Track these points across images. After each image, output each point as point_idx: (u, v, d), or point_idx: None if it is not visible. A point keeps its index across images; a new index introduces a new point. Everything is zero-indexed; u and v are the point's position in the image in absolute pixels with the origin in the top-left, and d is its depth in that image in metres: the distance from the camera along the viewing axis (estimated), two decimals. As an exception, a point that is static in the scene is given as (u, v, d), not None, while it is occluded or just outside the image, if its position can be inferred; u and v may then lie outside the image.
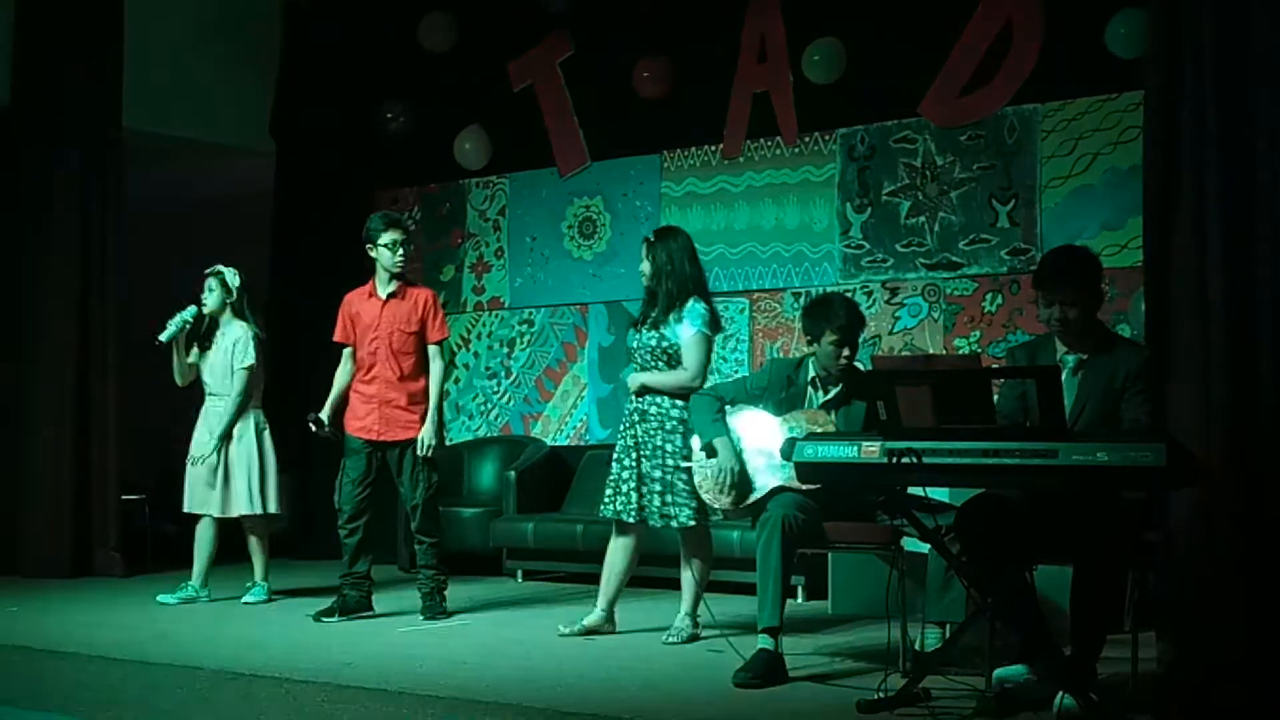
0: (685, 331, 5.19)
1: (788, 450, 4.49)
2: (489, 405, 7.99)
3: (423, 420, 5.72)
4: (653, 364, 5.24)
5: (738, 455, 4.89)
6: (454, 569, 6.02)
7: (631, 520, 5.19)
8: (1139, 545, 4.16)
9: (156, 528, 7.90)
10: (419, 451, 5.71)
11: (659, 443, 5.20)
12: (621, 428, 5.33)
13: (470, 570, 6.94)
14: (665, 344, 5.21)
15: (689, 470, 5.05)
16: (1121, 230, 6.03)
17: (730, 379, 6.03)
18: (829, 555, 5.64)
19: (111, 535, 7.38)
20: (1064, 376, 4.22)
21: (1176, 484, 3.91)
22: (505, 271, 7.98)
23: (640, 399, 5.26)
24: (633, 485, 5.20)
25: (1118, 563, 4.10)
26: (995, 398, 4.41)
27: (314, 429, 5.82)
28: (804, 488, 4.62)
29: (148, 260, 8.39)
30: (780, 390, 5.11)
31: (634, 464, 5.21)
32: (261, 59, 8.50)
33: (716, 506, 4.95)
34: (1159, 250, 4.55)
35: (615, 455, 5.30)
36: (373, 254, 5.77)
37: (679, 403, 5.19)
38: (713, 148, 7.26)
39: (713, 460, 4.86)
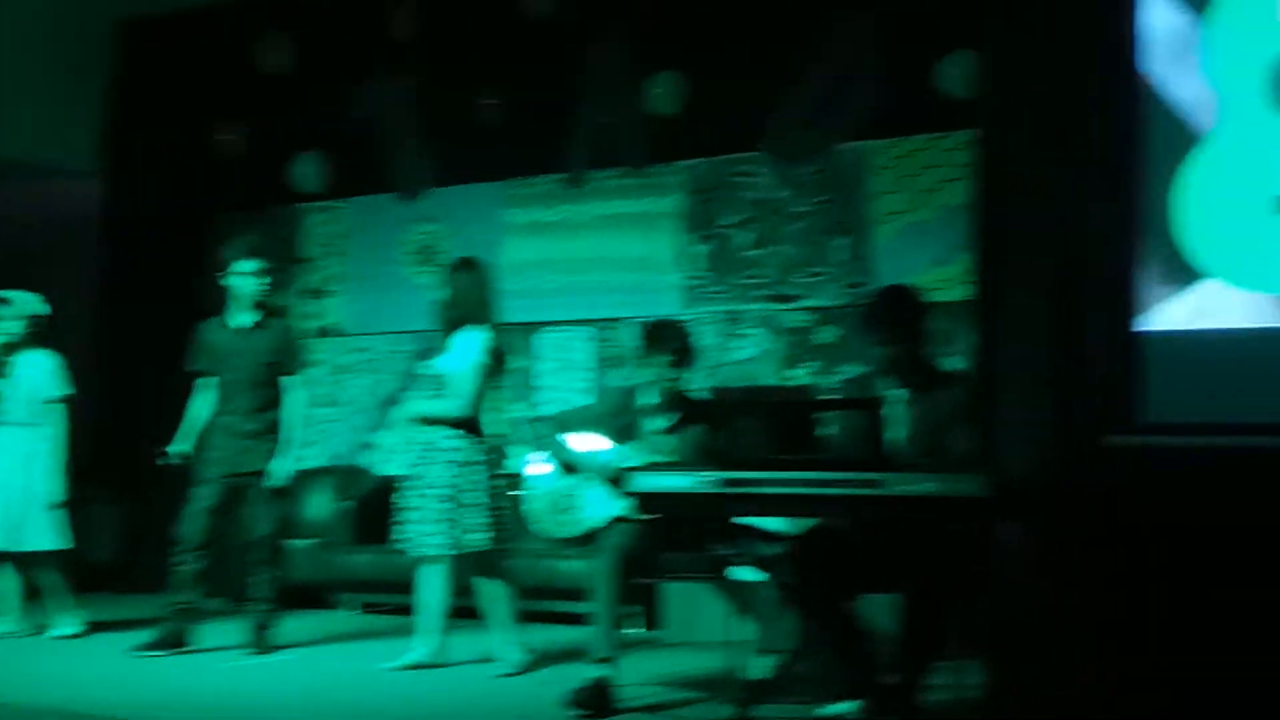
0: (464, 360, 5.15)
1: (624, 480, 4.48)
2: (322, 434, 7.83)
3: (277, 451, 5.60)
4: (437, 393, 5.21)
5: (576, 482, 4.86)
6: (285, 602, 5.87)
7: (432, 553, 5.11)
8: (966, 574, 4.22)
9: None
10: (272, 483, 5.59)
11: (445, 473, 5.12)
12: (410, 459, 5.25)
13: (301, 604, 6.77)
14: (441, 372, 5.20)
15: (519, 498, 5.00)
16: (952, 265, 6.17)
17: (572, 408, 5.99)
18: (665, 584, 5.64)
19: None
20: (895, 410, 4.29)
21: (1001, 513, 3.99)
22: (343, 298, 7.85)
23: (423, 429, 5.20)
24: (426, 516, 5.11)
25: (944, 592, 4.16)
26: (835, 428, 4.45)
27: (163, 461, 5.67)
28: (639, 517, 4.61)
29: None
30: (618, 418, 5.10)
31: (425, 495, 5.13)
32: (93, 78, 8.24)
33: (552, 535, 4.91)
34: (988, 285, 4.67)
35: (406, 488, 5.21)
36: (229, 282, 5.65)
37: (460, 431, 5.14)
38: (556, 177, 7.24)
39: (551, 486, 4.83)
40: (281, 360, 5.69)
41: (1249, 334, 3.95)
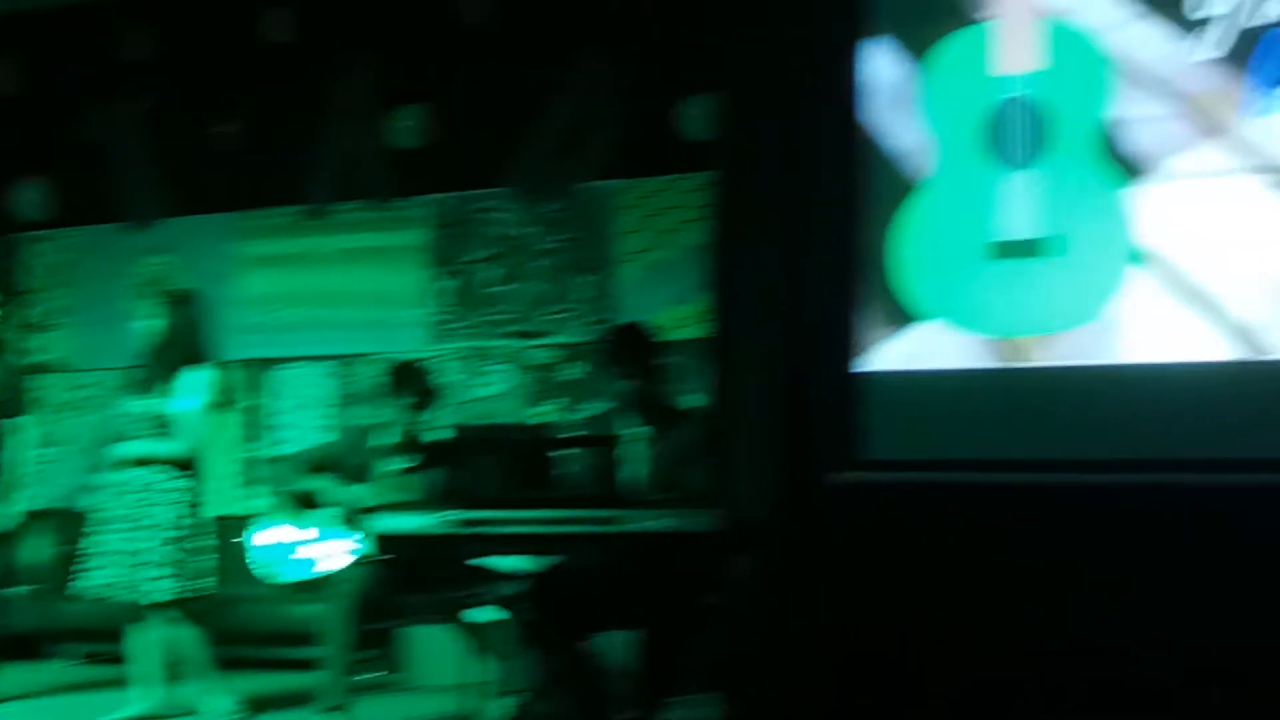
0: (189, 399, 4.91)
1: (360, 521, 4.40)
2: (42, 476, 7.42)
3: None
4: (149, 432, 4.92)
5: (310, 524, 4.76)
6: (2, 653, 5.54)
7: (161, 599, 4.83)
8: (699, 609, 4.28)
9: None
10: None
11: (168, 515, 4.85)
12: (128, 501, 4.95)
13: (19, 654, 6.39)
14: (165, 412, 4.91)
15: (249, 540, 4.86)
16: (692, 304, 6.26)
17: (309, 447, 5.84)
18: (406, 627, 5.54)
19: None
20: (633, 447, 4.33)
21: (731, 549, 4.06)
22: (67, 332, 7.48)
23: (143, 469, 4.91)
24: (125, 561, 4.84)
25: (679, 627, 4.21)
26: (574, 466, 4.47)
27: None
28: (376, 558, 4.53)
29: None
30: (356, 458, 5.03)
31: (126, 539, 4.86)
32: None
33: (283, 579, 4.79)
34: (723, 324, 4.76)
35: (111, 530, 4.91)
36: None
37: (180, 472, 4.89)
38: (296, 209, 7.07)
39: (285, 527, 4.71)
40: (1, 399, 5.35)
41: (964, 374, 4.12)
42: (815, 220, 4.44)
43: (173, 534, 4.81)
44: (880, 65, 4.30)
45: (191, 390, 4.90)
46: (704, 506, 3.97)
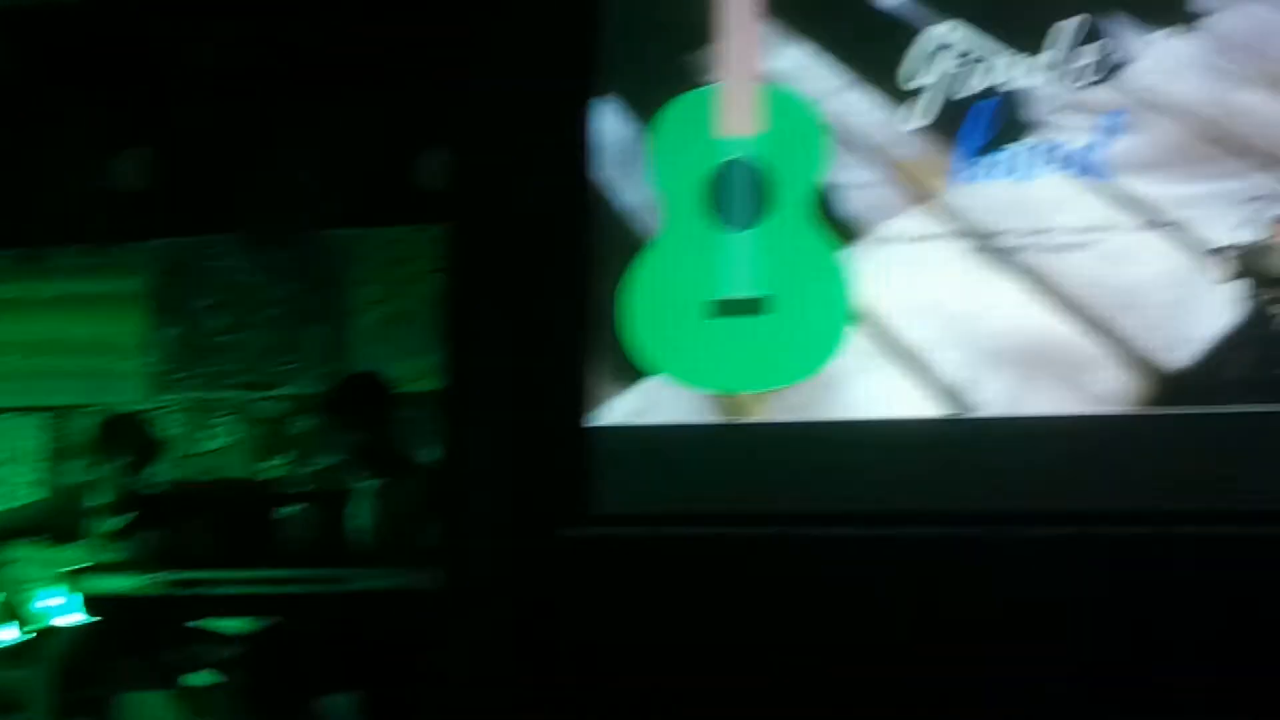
0: None
1: (70, 582, 4.21)
2: None
3: None
4: None
5: (15, 585, 4.52)
6: None
7: None
8: (426, 669, 4.22)
9: None
10: None
11: None
12: None
13: None
14: None
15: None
16: (427, 357, 6.21)
17: (15, 505, 5.55)
18: (119, 693, 5.29)
19: None
20: (361, 503, 4.27)
21: (458, 607, 4.02)
22: None
23: None
24: None
25: (405, 687, 4.14)
26: (298, 522, 4.38)
27: None
28: (87, 621, 4.34)
29: None
30: (66, 517, 4.81)
31: None
32: None
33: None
34: (457, 377, 4.73)
35: None
36: None
37: None
38: (8, 253, 6.74)
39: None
40: None
41: (688, 429, 4.19)
42: (548, 275, 4.46)
43: None
44: (609, 124, 4.36)
45: None
46: (433, 563, 3.92)
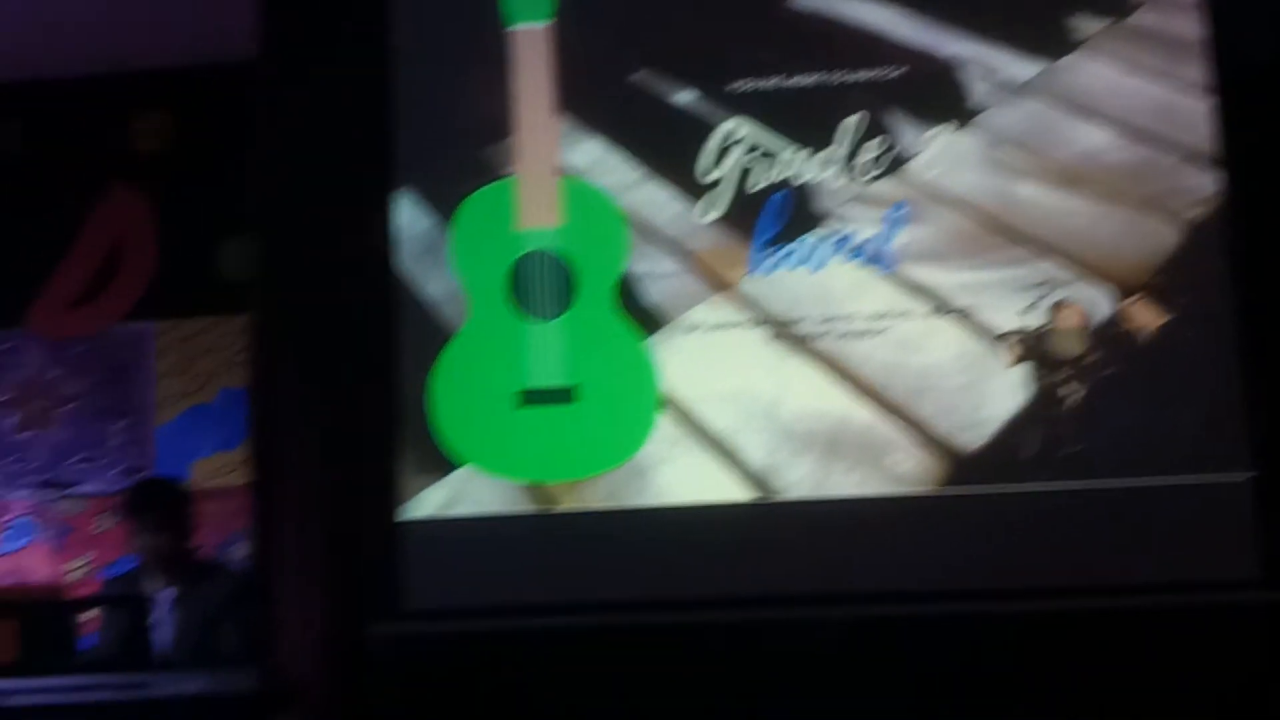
0: None
1: None
2: None
3: None
4: None
5: None
6: None
7: None
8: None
9: None
10: None
11: None
12: None
13: None
14: None
15: None
16: (234, 450, 6.10)
17: None
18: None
19: None
20: (162, 610, 4.17)
21: (270, 710, 3.94)
22: None
23: None
24: None
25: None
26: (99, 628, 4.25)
27: None
28: None
29: None
30: None
31: None
32: None
33: None
34: (264, 471, 4.66)
35: None
36: None
37: None
38: None
39: None
40: None
41: (497, 519, 4.20)
42: (355, 366, 4.44)
43: None
44: (410, 216, 4.38)
45: None
46: (242, 665, 3.83)
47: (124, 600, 4.15)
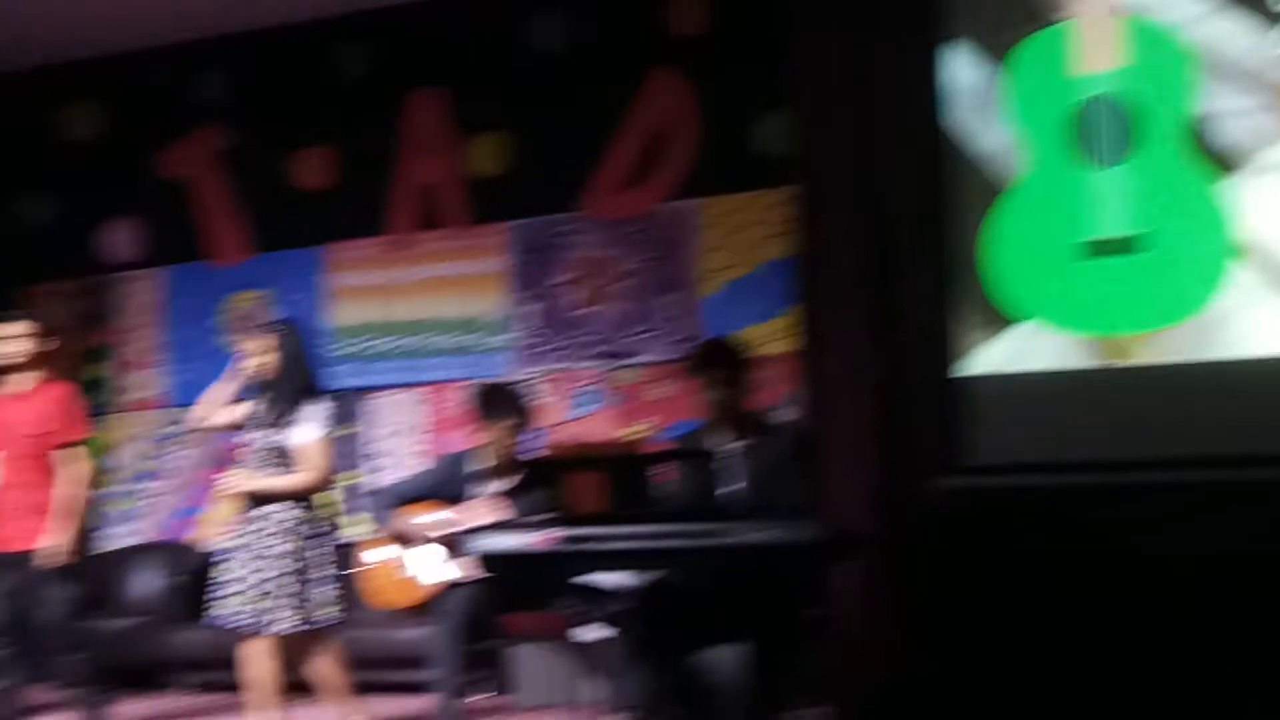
0: (310, 433, 4.88)
1: (462, 543, 4.45)
2: (141, 510, 7.57)
3: (53, 528, 5.14)
4: (270, 465, 4.90)
5: (413, 549, 4.84)
6: (114, 684, 5.60)
7: (286, 628, 4.81)
8: (803, 621, 4.29)
9: None
10: (49, 561, 5.12)
11: (289, 546, 4.83)
12: (246, 533, 4.91)
13: (133, 685, 6.50)
14: (285, 445, 4.88)
15: (354, 567, 4.93)
16: (777, 319, 6.29)
17: (408, 476, 5.90)
18: (513, 647, 5.59)
19: None
20: (728, 461, 4.36)
21: (833, 559, 4.07)
22: (161, 369, 7.63)
23: (255, 502, 4.88)
24: (248, 592, 4.82)
25: (783, 639, 4.22)
26: (671, 481, 4.50)
27: None
28: (480, 578, 4.59)
29: None
30: (454, 483, 5.09)
31: (249, 570, 4.83)
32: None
33: (389, 603, 4.86)
34: (811, 337, 4.78)
35: (237, 562, 4.88)
36: None
37: (301, 504, 4.87)
38: (380, 239, 7.17)
39: (387, 553, 4.78)
40: (54, 430, 5.26)
41: (1062, 374, 4.11)
42: (904, 226, 4.45)
43: (295, 565, 4.82)
44: (961, 69, 4.31)
45: (310, 421, 4.91)
46: (803, 518, 3.98)
47: (696, 454, 4.36)
